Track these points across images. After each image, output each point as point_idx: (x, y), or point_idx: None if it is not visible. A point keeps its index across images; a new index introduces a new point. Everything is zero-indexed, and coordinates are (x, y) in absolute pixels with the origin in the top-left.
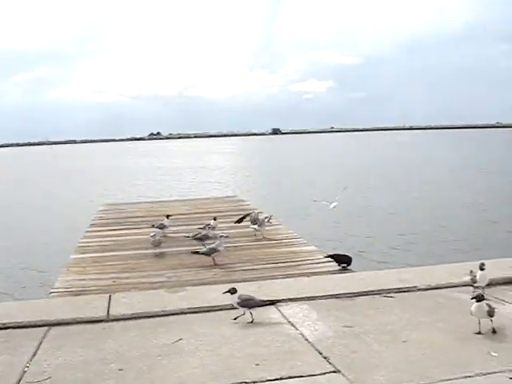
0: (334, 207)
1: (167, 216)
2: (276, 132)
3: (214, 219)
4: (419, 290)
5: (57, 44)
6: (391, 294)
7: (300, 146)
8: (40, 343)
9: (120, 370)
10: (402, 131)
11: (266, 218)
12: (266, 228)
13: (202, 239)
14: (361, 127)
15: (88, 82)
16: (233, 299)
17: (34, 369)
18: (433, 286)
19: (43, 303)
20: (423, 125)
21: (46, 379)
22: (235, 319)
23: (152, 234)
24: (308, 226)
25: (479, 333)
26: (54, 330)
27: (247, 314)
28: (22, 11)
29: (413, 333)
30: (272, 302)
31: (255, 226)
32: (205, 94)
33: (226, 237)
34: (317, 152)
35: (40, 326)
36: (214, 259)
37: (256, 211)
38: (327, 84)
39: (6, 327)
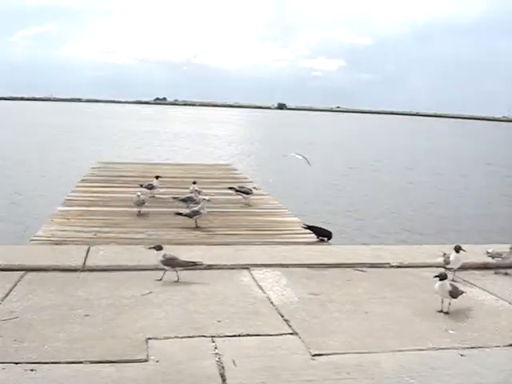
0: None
1: (156, 177)
2: (281, 107)
3: (194, 183)
4: (391, 266)
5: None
6: (363, 269)
7: (304, 122)
8: (14, 286)
9: (86, 315)
10: (408, 117)
11: (253, 187)
12: (252, 197)
13: (186, 201)
14: (367, 109)
15: (97, 42)
16: (157, 257)
17: (4, 308)
18: (405, 265)
19: (23, 249)
20: (429, 112)
21: (14, 318)
22: (160, 280)
23: (138, 194)
24: (297, 199)
25: (441, 311)
26: (30, 275)
27: (178, 273)
28: None
29: (376, 305)
30: (195, 264)
31: (242, 194)
32: (213, 62)
33: (208, 200)
34: (319, 129)
35: (16, 270)
36: (196, 221)
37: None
38: (337, 63)
39: None
